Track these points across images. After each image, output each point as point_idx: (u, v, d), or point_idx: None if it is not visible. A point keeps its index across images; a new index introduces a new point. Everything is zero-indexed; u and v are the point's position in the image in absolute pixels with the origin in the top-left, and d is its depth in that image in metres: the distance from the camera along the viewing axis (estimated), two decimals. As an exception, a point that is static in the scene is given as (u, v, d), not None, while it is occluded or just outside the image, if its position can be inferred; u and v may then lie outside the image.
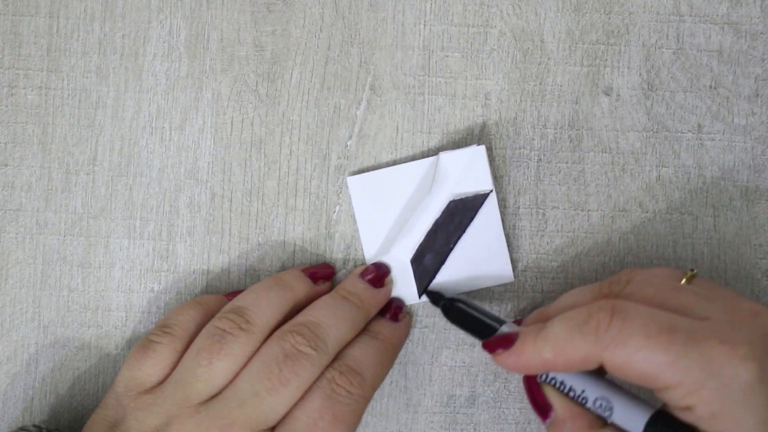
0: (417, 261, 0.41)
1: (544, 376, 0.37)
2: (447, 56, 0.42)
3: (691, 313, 0.33)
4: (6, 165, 0.42)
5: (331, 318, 0.38)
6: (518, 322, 0.38)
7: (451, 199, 0.41)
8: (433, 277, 0.41)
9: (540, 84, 0.42)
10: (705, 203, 0.42)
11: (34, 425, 0.40)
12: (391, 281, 0.41)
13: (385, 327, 0.40)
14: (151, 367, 0.38)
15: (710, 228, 0.42)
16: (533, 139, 0.42)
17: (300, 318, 0.38)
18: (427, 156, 0.42)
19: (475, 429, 0.42)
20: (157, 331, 0.39)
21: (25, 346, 0.42)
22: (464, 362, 0.42)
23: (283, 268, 0.42)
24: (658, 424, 0.33)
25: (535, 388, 0.37)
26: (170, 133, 0.42)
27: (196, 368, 0.37)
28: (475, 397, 0.42)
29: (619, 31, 0.42)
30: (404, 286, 0.42)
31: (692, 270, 0.36)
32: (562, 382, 0.36)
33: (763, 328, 0.32)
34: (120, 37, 0.42)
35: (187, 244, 0.42)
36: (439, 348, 0.42)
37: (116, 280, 0.42)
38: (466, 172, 0.41)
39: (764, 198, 0.42)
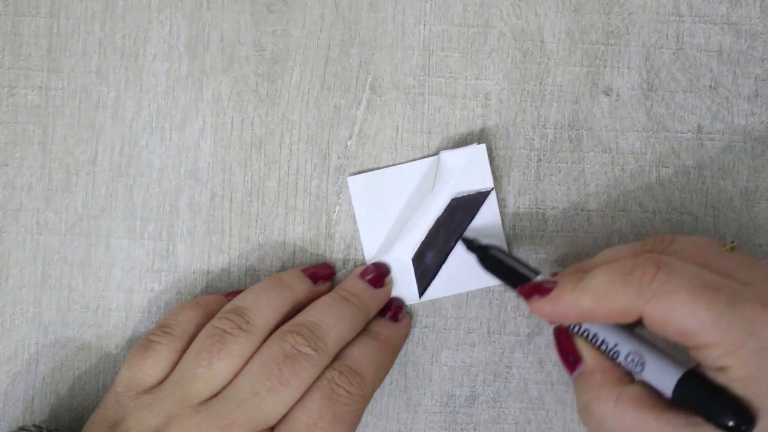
0: (418, 260, 0.41)
1: (576, 327, 0.36)
2: (447, 56, 0.42)
3: (734, 276, 0.33)
4: (6, 165, 0.42)
5: (330, 318, 0.38)
6: (554, 275, 0.37)
7: (453, 197, 0.41)
8: (434, 276, 0.41)
9: (540, 84, 0.42)
10: (705, 203, 0.42)
11: (34, 425, 0.40)
12: (391, 281, 0.41)
13: (385, 327, 0.40)
14: (151, 367, 0.38)
15: (710, 228, 0.42)
16: (533, 139, 0.42)
17: (300, 318, 0.38)
18: (427, 156, 0.42)
19: (475, 429, 0.42)
20: (157, 331, 0.39)
21: (25, 346, 0.42)
22: (464, 362, 0.42)
23: (283, 268, 0.42)
24: (690, 384, 0.33)
25: (566, 338, 0.37)
26: (170, 133, 0.42)
27: (196, 368, 0.37)
28: (475, 397, 0.42)
29: (619, 31, 0.42)
30: (405, 285, 0.42)
31: (732, 242, 0.36)
32: (595, 335, 0.36)
33: None
34: (120, 38, 0.42)
35: (187, 244, 0.42)
36: (439, 348, 0.42)
37: (116, 280, 0.42)
38: (467, 170, 0.41)
39: (764, 198, 0.42)
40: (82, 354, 0.42)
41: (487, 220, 0.41)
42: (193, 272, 0.42)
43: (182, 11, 0.42)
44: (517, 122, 0.42)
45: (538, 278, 0.37)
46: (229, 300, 0.40)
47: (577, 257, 0.42)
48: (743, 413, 0.31)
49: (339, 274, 0.42)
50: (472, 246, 0.40)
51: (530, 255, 0.42)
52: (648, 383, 0.34)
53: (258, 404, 0.36)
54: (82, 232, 0.42)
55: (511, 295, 0.42)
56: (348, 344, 0.39)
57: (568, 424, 0.41)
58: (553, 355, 0.42)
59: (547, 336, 0.42)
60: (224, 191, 0.42)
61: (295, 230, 0.42)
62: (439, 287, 0.41)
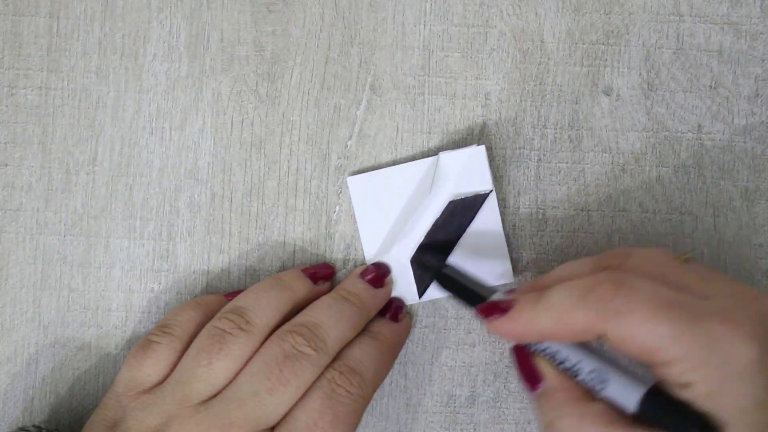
0: (417, 261, 0.41)
1: (534, 347, 0.36)
2: (447, 56, 0.42)
3: (692, 291, 0.33)
4: (6, 165, 0.42)
5: (331, 318, 0.38)
6: (510, 293, 0.37)
7: (451, 199, 0.41)
8: (433, 277, 0.41)
9: (540, 84, 0.42)
10: (705, 203, 0.42)
11: (34, 425, 0.40)
12: (391, 281, 0.41)
13: (385, 327, 0.40)
14: (151, 367, 0.38)
15: (710, 228, 0.42)
16: (533, 139, 0.42)
17: (300, 318, 0.38)
18: (427, 156, 0.42)
19: (475, 429, 0.42)
20: (157, 331, 0.39)
21: (25, 346, 0.42)
22: (464, 362, 0.42)
23: (283, 268, 0.42)
24: (654, 400, 0.33)
25: (525, 357, 0.37)
26: (170, 133, 0.42)
27: (195, 368, 0.37)
28: (475, 397, 0.42)
29: (619, 31, 0.42)
30: (404, 286, 0.42)
31: (687, 253, 0.36)
32: (556, 353, 0.35)
33: (763, 311, 0.32)
34: (120, 37, 0.42)
35: (187, 244, 0.42)
36: (439, 348, 0.42)
37: (116, 280, 0.42)
38: (466, 172, 0.41)
39: (764, 198, 0.42)
40: (82, 354, 0.42)
41: (487, 221, 0.41)
42: (193, 272, 0.42)
43: (182, 11, 0.42)
44: (517, 122, 0.42)
45: (495, 297, 0.36)
46: (229, 300, 0.40)
47: (577, 257, 0.42)
48: (709, 428, 0.31)
49: (339, 274, 0.42)
50: (425, 266, 0.40)
51: (530, 255, 0.42)
52: (610, 400, 0.34)
53: (258, 404, 0.36)
54: (82, 232, 0.42)
55: (511, 295, 0.42)
56: (348, 344, 0.39)
57: (568, 424, 0.41)
58: (553, 355, 0.42)
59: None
60: (224, 191, 0.42)
61: (295, 230, 0.42)
62: (438, 289, 0.41)
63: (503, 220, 0.42)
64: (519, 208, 0.42)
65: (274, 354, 0.37)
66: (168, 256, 0.42)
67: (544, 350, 0.36)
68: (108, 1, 0.42)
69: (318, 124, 0.42)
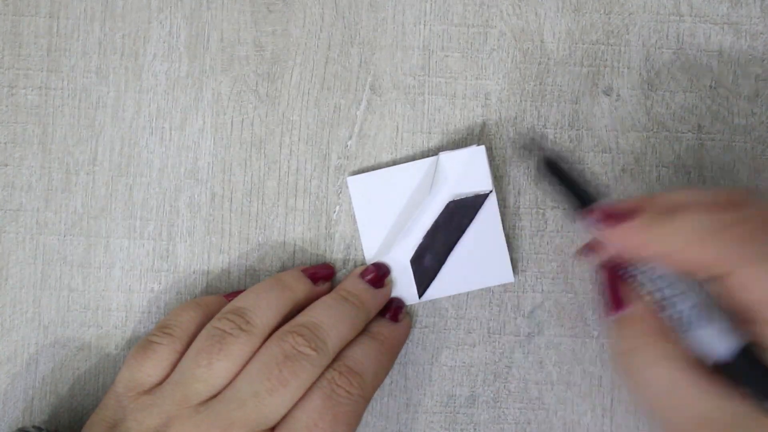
0: (417, 261, 0.41)
1: (633, 269, 0.35)
2: (447, 56, 0.42)
3: None
4: (6, 165, 0.42)
5: (331, 319, 0.38)
6: (619, 204, 0.35)
7: (451, 199, 0.41)
8: (433, 277, 0.41)
9: (540, 84, 0.42)
10: (705, 203, 0.42)
11: (33, 426, 0.39)
12: (392, 281, 0.41)
13: (385, 327, 0.40)
14: (151, 367, 0.38)
15: (710, 228, 0.42)
16: (533, 139, 0.42)
17: (300, 319, 0.38)
18: (427, 156, 0.42)
19: (475, 429, 0.42)
20: (157, 331, 0.39)
21: (25, 346, 0.42)
22: (464, 362, 0.42)
23: (283, 268, 0.42)
24: (744, 357, 0.32)
25: (616, 276, 0.35)
26: (170, 133, 0.42)
27: (195, 369, 0.37)
28: (475, 397, 0.42)
29: (619, 31, 0.42)
30: (404, 286, 0.42)
31: None
32: (658, 278, 0.34)
33: None
34: (120, 37, 0.42)
35: (187, 244, 0.42)
36: (439, 348, 0.42)
37: (116, 280, 0.42)
38: (466, 172, 0.41)
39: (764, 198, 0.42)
40: (82, 354, 0.42)
41: (487, 221, 0.41)
42: (193, 272, 0.42)
43: (182, 11, 0.42)
44: (517, 122, 0.42)
45: (606, 202, 0.34)
46: (229, 300, 0.40)
47: (577, 257, 0.42)
48: None
49: (339, 274, 0.42)
50: (529, 148, 0.37)
51: (530, 255, 0.42)
52: (695, 343, 0.33)
53: (258, 405, 0.36)
54: (82, 232, 0.42)
55: (511, 296, 0.42)
56: (348, 345, 0.39)
57: (568, 424, 0.41)
58: (553, 355, 0.42)
59: (547, 336, 0.42)
60: (224, 191, 0.42)
61: (295, 230, 0.42)
62: (438, 287, 0.41)
63: (503, 220, 0.42)
64: (519, 208, 0.42)
65: (274, 354, 0.37)
66: (168, 256, 0.42)
67: (642, 273, 0.34)
68: (108, 1, 0.42)
69: (318, 124, 0.42)
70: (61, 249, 0.42)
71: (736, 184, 0.42)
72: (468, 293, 0.42)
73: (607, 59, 0.42)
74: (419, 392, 0.42)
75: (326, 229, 0.42)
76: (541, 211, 0.42)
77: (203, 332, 0.38)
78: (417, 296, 0.42)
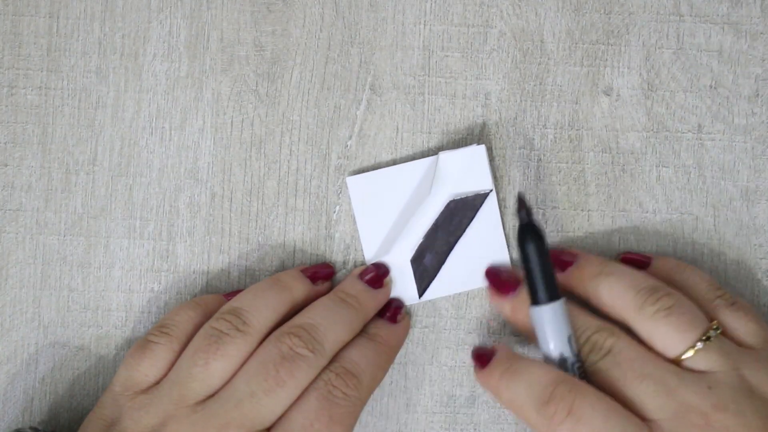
0: (417, 261, 0.41)
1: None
2: (447, 56, 0.42)
3: (642, 409, 0.35)
4: (6, 165, 0.42)
5: (328, 320, 0.38)
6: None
7: (451, 198, 0.41)
8: (434, 277, 0.41)
9: (540, 84, 0.42)
10: (705, 203, 0.42)
11: (31, 427, 0.39)
12: (391, 281, 0.41)
13: (383, 329, 0.40)
14: (149, 367, 0.38)
15: (710, 228, 0.42)
16: (533, 139, 0.42)
17: (297, 320, 0.38)
18: (427, 156, 0.42)
19: (475, 429, 0.42)
20: (155, 331, 0.39)
21: (25, 346, 0.42)
22: (464, 362, 0.42)
23: (283, 268, 0.42)
24: None
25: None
26: (170, 133, 0.42)
27: (192, 368, 0.37)
28: (475, 397, 0.42)
29: (619, 31, 0.42)
30: (404, 286, 0.42)
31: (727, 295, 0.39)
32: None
33: None
34: (120, 37, 0.42)
35: (187, 244, 0.42)
36: (439, 348, 0.42)
37: (116, 280, 0.42)
38: (466, 171, 0.41)
39: (764, 198, 0.42)
40: (82, 354, 0.42)
41: (487, 220, 0.41)
42: (193, 272, 0.42)
43: (182, 11, 0.42)
44: (517, 122, 0.42)
45: (495, 350, 0.38)
46: (228, 300, 0.40)
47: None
48: None
49: (339, 274, 0.42)
50: (521, 212, 0.38)
51: (530, 255, 0.42)
52: None
53: (254, 405, 0.36)
54: (82, 232, 0.42)
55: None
56: (346, 346, 0.39)
57: (568, 424, 0.41)
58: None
59: (547, 336, 0.42)
60: (224, 191, 0.42)
61: (295, 230, 0.42)
62: (438, 287, 0.41)
63: (503, 221, 0.42)
64: (519, 208, 0.42)
65: (271, 355, 0.37)
66: (168, 256, 0.42)
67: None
68: (108, 1, 0.42)
69: (318, 124, 0.42)
70: (61, 249, 0.42)
71: (736, 184, 0.42)
72: (468, 293, 0.42)
73: (607, 59, 0.42)
74: (419, 392, 0.42)
75: (326, 229, 0.42)
76: (541, 210, 0.42)
77: (201, 332, 0.38)
78: (417, 296, 0.42)
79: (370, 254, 0.42)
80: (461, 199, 0.41)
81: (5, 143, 0.42)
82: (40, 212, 0.42)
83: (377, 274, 0.41)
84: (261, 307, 0.38)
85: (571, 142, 0.42)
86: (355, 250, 0.42)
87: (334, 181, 0.42)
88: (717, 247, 0.42)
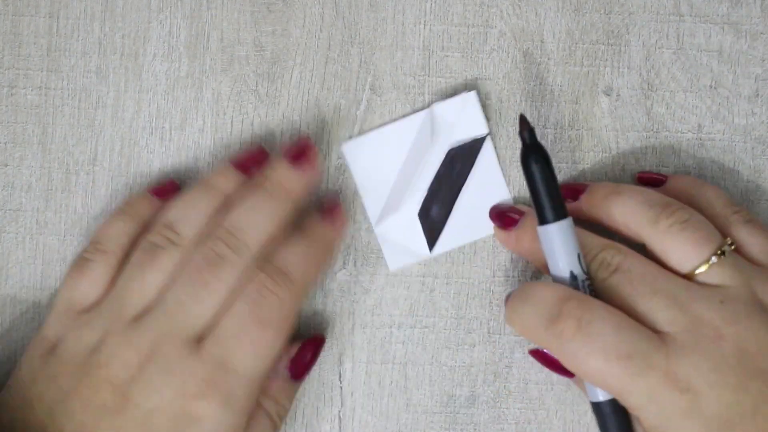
0: (424, 215, 0.41)
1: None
2: (447, 56, 0.42)
3: (654, 322, 0.35)
4: (6, 165, 0.42)
5: (250, 215, 0.37)
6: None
7: (450, 147, 0.41)
8: (442, 228, 0.41)
9: (540, 84, 0.42)
10: (705, 203, 0.42)
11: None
12: (318, 156, 0.40)
13: (317, 225, 0.39)
14: (88, 286, 0.38)
15: (710, 228, 0.42)
16: (533, 139, 0.42)
17: (221, 221, 0.38)
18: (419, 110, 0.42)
19: (475, 429, 0.42)
20: (90, 248, 0.39)
21: (25, 346, 0.42)
22: (464, 362, 0.42)
23: (283, 268, 0.42)
24: (614, 406, 0.36)
25: (546, 356, 0.39)
26: (170, 133, 0.42)
27: (129, 282, 0.37)
28: (475, 397, 0.42)
29: (619, 31, 0.42)
30: (414, 241, 0.41)
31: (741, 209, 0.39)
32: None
33: (717, 355, 0.34)
34: (120, 37, 0.42)
35: (187, 244, 0.42)
36: (439, 348, 0.42)
37: (116, 280, 0.42)
38: (461, 119, 0.41)
39: (764, 198, 0.42)
40: (82, 354, 0.42)
41: (486, 166, 0.41)
42: (193, 272, 0.42)
43: (182, 11, 0.42)
44: (517, 122, 0.42)
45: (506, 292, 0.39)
46: (156, 196, 0.40)
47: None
48: None
49: (339, 275, 0.42)
50: (526, 137, 0.37)
51: (530, 255, 0.42)
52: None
53: (183, 312, 0.36)
54: (82, 232, 0.42)
55: (511, 295, 0.42)
56: (278, 244, 0.38)
57: (568, 424, 0.42)
58: (553, 355, 0.42)
59: (547, 336, 0.42)
60: (224, 191, 0.42)
61: (295, 230, 0.42)
62: (447, 240, 0.41)
63: (501, 166, 0.42)
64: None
65: (195, 261, 0.36)
66: (168, 256, 0.42)
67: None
68: (108, 1, 0.42)
69: (318, 124, 0.42)
70: (61, 249, 0.42)
71: (736, 184, 0.42)
72: (468, 293, 0.42)
73: (607, 59, 0.42)
74: (419, 392, 0.42)
75: (326, 229, 0.42)
76: (541, 211, 0.42)
77: (139, 247, 0.38)
78: (428, 249, 0.41)
79: (375, 217, 0.42)
80: (460, 146, 0.41)
81: (5, 143, 0.42)
82: (40, 212, 0.42)
83: (298, 148, 0.39)
84: (192, 216, 0.38)
85: (571, 142, 0.42)
86: (356, 250, 0.42)
87: (334, 181, 0.42)
88: (717, 247, 0.42)
